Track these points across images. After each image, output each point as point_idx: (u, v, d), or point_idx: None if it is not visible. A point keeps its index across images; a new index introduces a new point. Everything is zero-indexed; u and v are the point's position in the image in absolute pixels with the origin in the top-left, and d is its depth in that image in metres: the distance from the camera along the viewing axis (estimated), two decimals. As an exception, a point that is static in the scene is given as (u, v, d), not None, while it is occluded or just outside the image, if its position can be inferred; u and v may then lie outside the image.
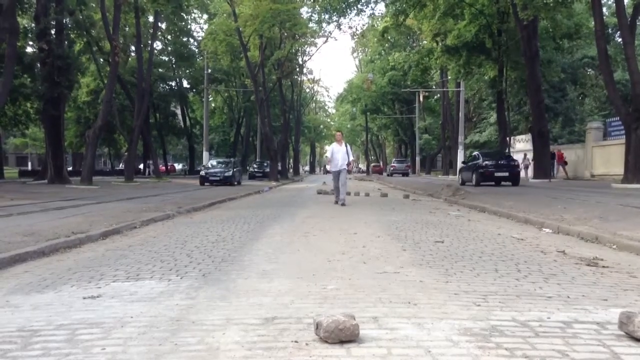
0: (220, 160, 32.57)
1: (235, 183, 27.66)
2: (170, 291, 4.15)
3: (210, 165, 29.82)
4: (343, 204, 13.24)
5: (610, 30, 32.93)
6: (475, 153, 26.30)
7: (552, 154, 29.45)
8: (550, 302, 3.75)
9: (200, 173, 28.47)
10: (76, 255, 6.08)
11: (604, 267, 5.07)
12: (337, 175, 13.86)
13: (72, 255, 6.04)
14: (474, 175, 22.68)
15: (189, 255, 5.82)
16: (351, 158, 14.15)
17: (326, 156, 16.13)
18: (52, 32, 26.05)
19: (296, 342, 2.90)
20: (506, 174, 22.11)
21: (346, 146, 13.96)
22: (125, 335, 3.05)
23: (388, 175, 49.29)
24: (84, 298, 3.95)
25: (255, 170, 42.06)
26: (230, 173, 27.31)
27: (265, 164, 41.91)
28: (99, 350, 2.81)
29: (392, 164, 52.06)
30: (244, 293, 4.07)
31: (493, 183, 22.19)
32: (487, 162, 22.58)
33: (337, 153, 13.77)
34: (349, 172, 14.38)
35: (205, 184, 26.71)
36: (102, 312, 3.55)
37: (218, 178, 26.88)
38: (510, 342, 2.88)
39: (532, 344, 2.87)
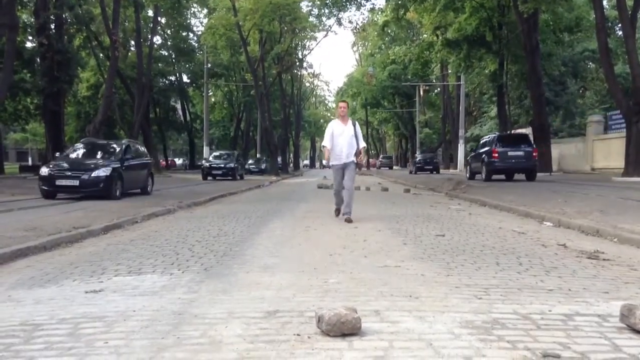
0: (91, 142, 16.10)
1: (103, 190, 12.88)
2: (173, 285, 4.16)
3: (76, 152, 15.02)
4: (348, 220, 8.43)
5: (610, 24, 32.83)
6: (417, 154, 42.14)
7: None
8: (551, 295, 3.75)
9: (42, 172, 13.46)
10: (78, 249, 6.09)
11: (604, 260, 5.08)
12: (340, 171, 8.81)
13: (74, 250, 6.05)
14: (414, 168, 36.65)
15: (191, 250, 5.83)
16: (362, 144, 8.89)
17: (323, 146, 9.25)
18: (52, 26, 26.07)
19: (298, 335, 2.91)
20: (431, 167, 36.08)
21: (354, 125, 8.88)
22: (128, 329, 3.06)
23: (377, 168, 58.96)
24: (86, 292, 3.96)
25: (213, 166, 27.77)
26: (106, 173, 13.03)
27: (231, 157, 29.46)
28: (102, 344, 2.81)
29: (380, 159, 65.70)
30: (245, 287, 4.08)
31: (428, 172, 34.80)
32: (420, 160, 37.49)
33: (340, 136, 8.71)
34: (359, 166, 9.10)
35: (58, 195, 13.12)
36: (104, 306, 3.56)
37: (74, 183, 12.79)
38: (512, 335, 2.89)
39: (534, 336, 2.87)
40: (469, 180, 20.91)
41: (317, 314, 2.99)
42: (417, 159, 38.12)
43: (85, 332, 3.02)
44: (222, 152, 33.35)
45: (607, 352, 2.65)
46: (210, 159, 30.16)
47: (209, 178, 26.72)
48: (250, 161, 42.59)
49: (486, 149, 20.58)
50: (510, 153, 19.60)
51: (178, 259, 5.27)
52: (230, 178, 26.78)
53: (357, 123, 9.08)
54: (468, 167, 23.35)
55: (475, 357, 2.58)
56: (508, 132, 27.86)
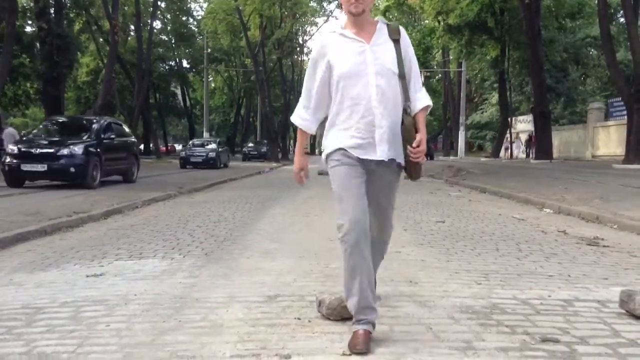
0: None
1: None
2: (173, 269, 4.17)
3: None
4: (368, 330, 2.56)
5: (613, 10, 32.59)
6: None
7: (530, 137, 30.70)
8: (551, 281, 3.77)
9: None
10: (78, 234, 6.11)
11: (604, 246, 5.09)
12: (353, 172, 2.60)
13: (75, 235, 6.06)
14: None
15: (191, 235, 5.84)
16: (425, 101, 2.66)
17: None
18: (51, 11, 25.82)
19: (299, 319, 2.93)
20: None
21: (397, 41, 2.55)
22: (129, 313, 3.08)
23: None
24: (87, 276, 3.97)
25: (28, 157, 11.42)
26: None
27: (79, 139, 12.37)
28: (104, 327, 2.83)
29: None
30: (246, 271, 4.09)
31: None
32: None
33: (358, 77, 2.49)
34: (412, 173, 2.90)
35: None
36: (105, 290, 3.57)
37: None
38: (512, 320, 2.91)
39: (533, 321, 2.89)
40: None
41: (318, 298, 3.01)
42: None
43: (87, 316, 3.03)
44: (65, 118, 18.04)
45: (606, 337, 2.67)
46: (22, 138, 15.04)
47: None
48: (190, 143, 30.32)
49: None
50: None
51: (179, 244, 5.28)
52: (80, 187, 11.25)
53: (403, 32, 2.68)
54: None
55: (475, 341, 2.59)
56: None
